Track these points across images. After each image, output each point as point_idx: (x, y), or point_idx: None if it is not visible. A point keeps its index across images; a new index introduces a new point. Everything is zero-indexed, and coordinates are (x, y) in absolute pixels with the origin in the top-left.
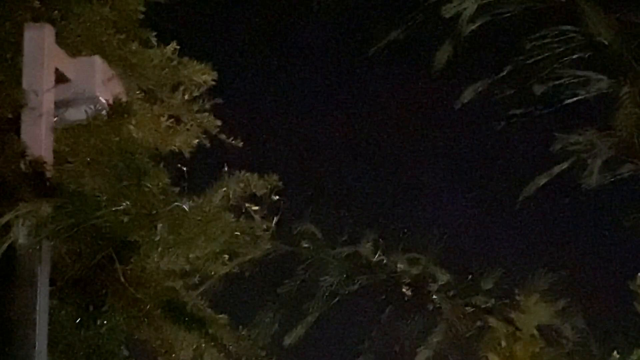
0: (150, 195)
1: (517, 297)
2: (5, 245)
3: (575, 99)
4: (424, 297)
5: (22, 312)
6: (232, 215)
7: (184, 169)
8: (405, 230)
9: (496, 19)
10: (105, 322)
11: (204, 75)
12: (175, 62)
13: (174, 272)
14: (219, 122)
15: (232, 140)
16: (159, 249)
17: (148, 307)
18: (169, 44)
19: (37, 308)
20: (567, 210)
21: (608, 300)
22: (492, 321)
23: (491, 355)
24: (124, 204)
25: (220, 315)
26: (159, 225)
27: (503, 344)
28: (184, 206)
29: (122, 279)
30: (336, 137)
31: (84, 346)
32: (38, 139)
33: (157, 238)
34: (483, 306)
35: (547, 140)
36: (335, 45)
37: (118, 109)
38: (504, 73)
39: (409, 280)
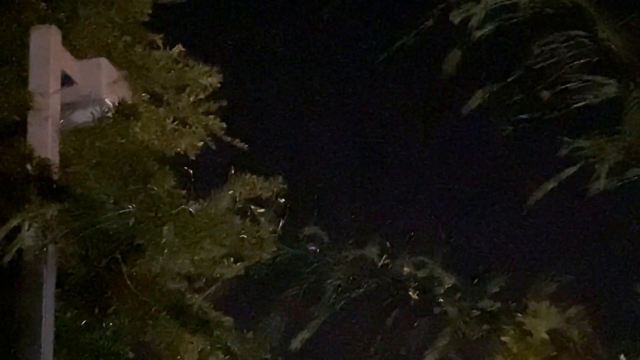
0: (156, 198)
1: (525, 301)
2: (15, 249)
3: (583, 103)
4: (430, 301)
5: (28, 314)
6: (238, 218)
7: (190, 171)
8: (412, 233)
9: (505, 24)
10: (110, 324)
11: (210, 78)
12: (181, 65)
13: (179, 274)
14: (224, 125)
15: (238, 142)
16: (165, 251)
17: (154, 309)
18: (174, 46)
19: (43, 310)
20: (574, 215)
21: (615, 304)
22: (502, 325)
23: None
24: (130, 206)
25: (226, 318)
26: (165, 228)
27: (514, 349)
28: (190, 209)
29: (128, 282)
30: (343, 141)
31: (89, 348)
32: (44, 141)
33: (163, 241)
34: (489, 310)
35: (555, 144)
36: (343, 50)
37: (124, 111)
38: (513, 78)
39: (415, 284)
